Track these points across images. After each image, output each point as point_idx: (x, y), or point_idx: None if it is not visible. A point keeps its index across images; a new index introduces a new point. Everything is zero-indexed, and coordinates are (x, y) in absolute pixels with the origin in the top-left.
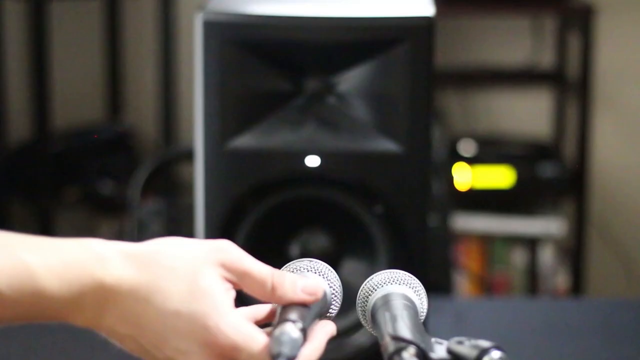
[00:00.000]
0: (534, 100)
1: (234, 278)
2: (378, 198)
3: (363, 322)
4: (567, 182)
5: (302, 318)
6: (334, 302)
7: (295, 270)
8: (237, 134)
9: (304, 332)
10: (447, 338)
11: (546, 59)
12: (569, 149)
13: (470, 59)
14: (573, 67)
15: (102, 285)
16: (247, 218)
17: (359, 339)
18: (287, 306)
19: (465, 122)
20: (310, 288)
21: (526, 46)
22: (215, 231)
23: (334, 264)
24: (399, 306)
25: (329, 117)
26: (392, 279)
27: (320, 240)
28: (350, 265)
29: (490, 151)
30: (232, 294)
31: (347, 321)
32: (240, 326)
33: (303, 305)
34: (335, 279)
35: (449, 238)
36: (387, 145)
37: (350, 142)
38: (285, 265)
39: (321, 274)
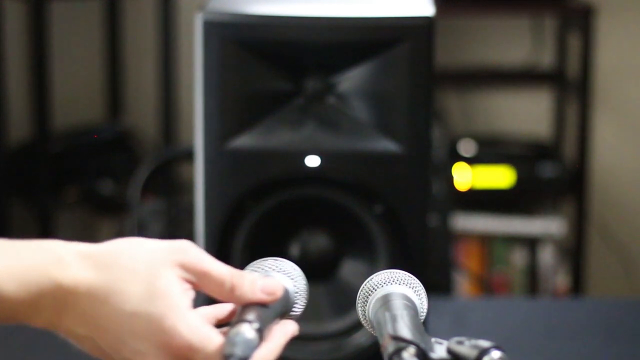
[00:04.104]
0: (534, 100)
1: (192, 278)
2: (378, 198)
3: (363, 322)
4: (567, 182)
5: (260, 318)
6: (297, 301)
7: (260, 270)
8: (237, 134)
9: (260, 332)
10: (447, 338)
11: (546, 59)
12: (569, 149)
13: (470, 59)
14: (573, 67)
15: (60, 287)
16: (247, 218)
17: (359, 339)
18: (247, 306)
19: (465, 122)
20: (269, 288)
21: (526, 46)
22: (215, 231)
23: (334, 264)
24: (399, 306)
25: (329, 117)
26: (392, 279)
27: (320, 240)
28: (350, 265)
29: (490, 151)
30: (191, 294)
31: (347, 321)
32: (197, 327)
33: (263, 305)
34: (300, 278)
35: (449, 238)
36: (387, 145)
37: (350, 142)
38: (250, 264)
39: (286, 272)
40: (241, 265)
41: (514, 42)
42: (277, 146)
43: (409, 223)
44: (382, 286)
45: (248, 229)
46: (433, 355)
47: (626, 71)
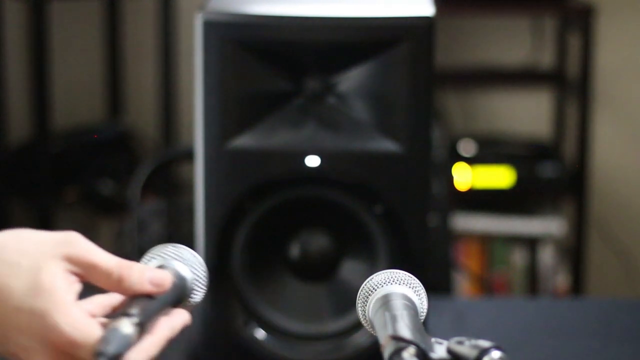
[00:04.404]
0: (534, 100)
1: (80, 271)
2: (378, 198)
3: (363, 322)
4: (567, 182)
5: (144, 311)
6: (196, 289)
7: (158, 257)
8: (237, 134)
9: (142, 326)
10: (447, 338)
11: (546, 59)
12: (569, 149)
13: (470, 59)
14: (573, 67)
15: None
16: (247, 218)
17: (359, 339)
18: (134, 297)
19: (465, 122)
20: (157, 279)
21: (526, 46)
22: (215, 231)
23: (334, 264)
24: (399, 306)
25: (329, 117)
26: (392, 279)
27: (320, 240)
28: (350, 265)
29: (490, 151)
30: (77, 287)
31: (347, 321)
32: (79, 322)
33: (150, 296)
34: (198, 264)
35: (449, 238)
36: (387, 145)
37: (350, 142)
38: (150, 250)
39: (184, 260)
40: (241, 265)
41: (514, 42)
42: (277, 146)
43: (409, 223)
44: (382, 286)
45: (248, 229)
46: (433, 355)
47: (626, 71)
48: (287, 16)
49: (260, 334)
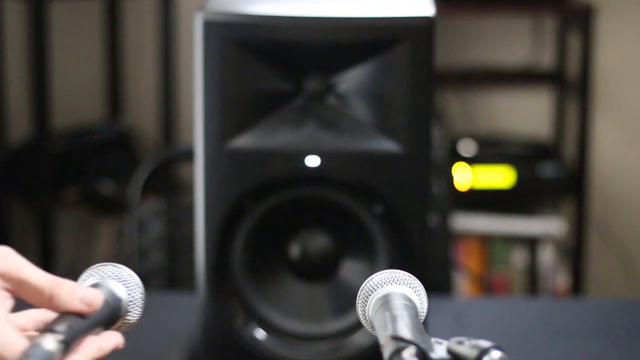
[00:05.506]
0: (534, 100)
1: (11, 287)
2: (378, 198)
3: (363, 322)
4: (567, 182)
5: (70, 329)
6: (131, 311)
7: (96, 275)
8: (237, 134)
9: (66, 343)
10: (447, 338)
11: (546, 59)
12: (569, 149)
13: (470, 59)
14: (573, 67)
15: None
16: (247, 218)
17: (359, 339)
18: (63, 314)
19: (465, 122)
20: (88, 298)
21: (526, 46)
22: (215, 231)
23: (334, 264)
24: (399, 306)
25: (329, 117)
26: (392, 279)
27: (320, 240)
28: (350, 265)
29: (490, 151)
30: (9, 303)
31: (347, 321)
32: (5, 337)
33: (80, 314)
34: (136, 287)
35: (449, 238)
36: (387, 145)
37: (350, 142)
38: (90, 267)
39: (121, 280)
40: (241, 265)
41: (514, 42)
42: (277, 146)
43: (409, 223)
44: (382, 286)
45: (248, 229)
46: (433, 355)
47: (626, 71)
48: (287, 16)
49: (260, 334)
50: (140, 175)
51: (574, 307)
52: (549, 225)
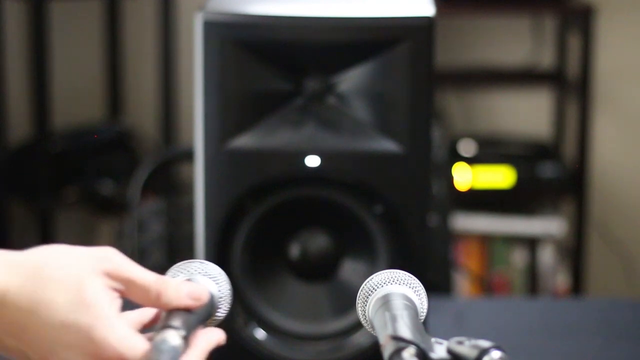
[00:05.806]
0: (534, 100)
1: (119, 286)
2: (378, 198)
3: (363, 322)
4: (567, 182)
5: (185, 324)
6: (221, 307)
7: (185, 272)
8: (237, 134)
9: (186, 339)
10: (447, 338)
11: (546, 59)
12: (569, 149)
13: (470, 59)
14: (573, 67)
15: None
16: (247, 218)
17: (359, 339)
18: (171, 311)
19: (465, 122)
20: (195, 293)
21: (526, 46)
22: (215, 231)
23: (334, 264)
24: (399, 306)
25: (329, 117)
26: (392, 279)
27: (320, 240)
28: (350, 265)
29: (490, 151)
30: (118, 302)
31: (347, 321)
32: (125, 336)
33: (187, 310)
34: (224, 282)
35: (449, 238)
36: (387, 145)
37: (350, 142)
38: (176, 265)
39: (211, 276)
40: (241, 265)
41: (514, 42)
42: (277, 146)
43: (409, 223)
44: (382, 286)
45: (248, 229)
46: (433, 355)
47: (626, 71)
48: (287, 16)
49: (260, 334)
50: (140, 175)
51: (574, 307)
52: (549, 225)
